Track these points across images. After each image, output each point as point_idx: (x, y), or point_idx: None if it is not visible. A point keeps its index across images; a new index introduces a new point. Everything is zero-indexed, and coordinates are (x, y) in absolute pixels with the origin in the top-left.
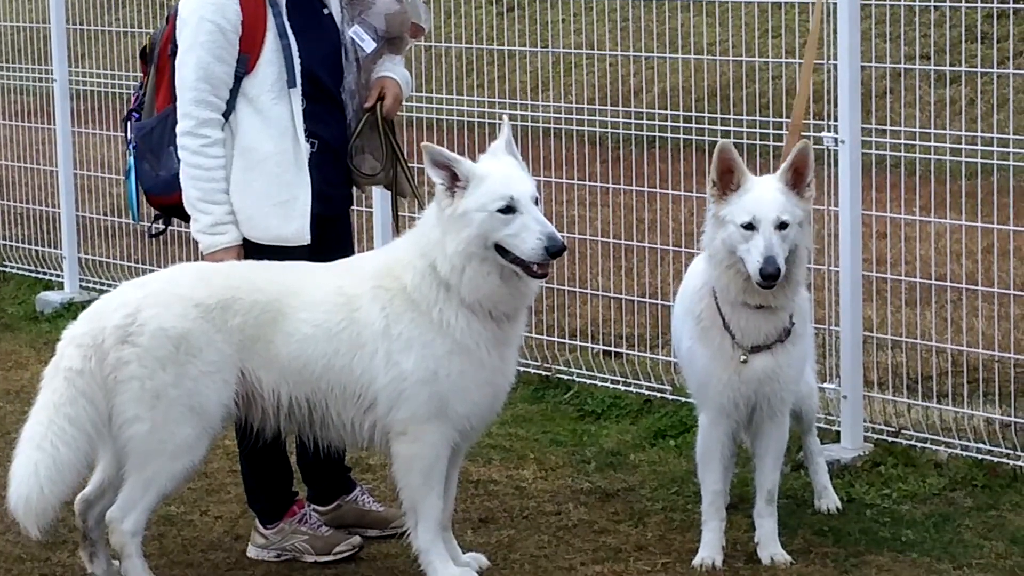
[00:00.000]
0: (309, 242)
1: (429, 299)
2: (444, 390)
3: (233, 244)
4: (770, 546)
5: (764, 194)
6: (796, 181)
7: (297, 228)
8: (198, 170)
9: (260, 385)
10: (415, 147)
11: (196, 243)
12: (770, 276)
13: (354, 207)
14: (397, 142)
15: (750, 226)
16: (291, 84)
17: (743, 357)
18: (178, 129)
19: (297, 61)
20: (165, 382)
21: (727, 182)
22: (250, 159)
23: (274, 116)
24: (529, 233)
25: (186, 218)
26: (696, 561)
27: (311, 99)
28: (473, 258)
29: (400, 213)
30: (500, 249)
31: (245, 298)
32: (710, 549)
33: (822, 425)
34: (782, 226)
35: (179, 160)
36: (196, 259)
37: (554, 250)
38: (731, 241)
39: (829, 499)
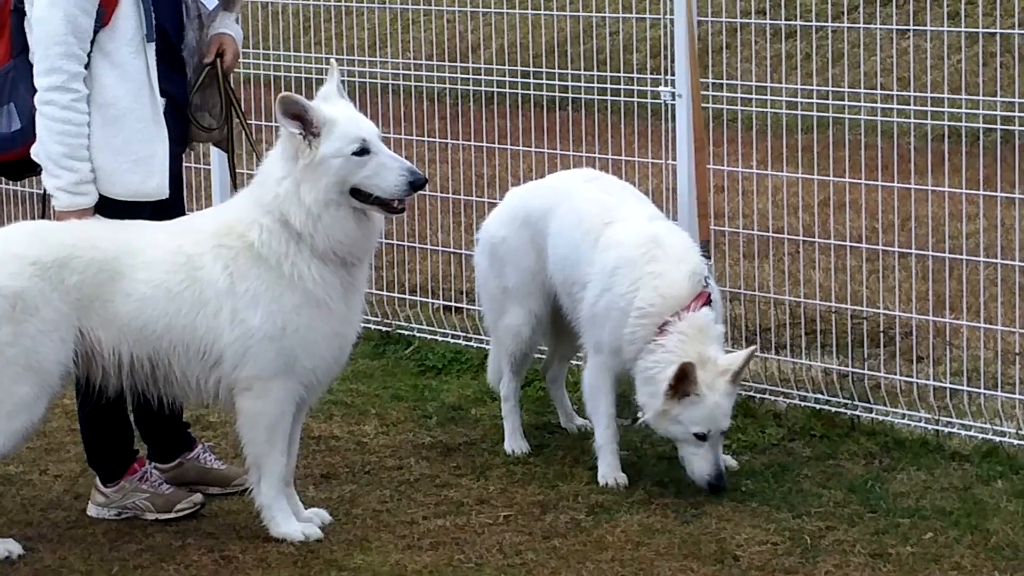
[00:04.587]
0: (168, 196)
1: (279, 254)
2: (292, 345)
3: (91, 205)
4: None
5: (719, 407)
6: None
7: (157, 183)
8: (68, 125)
9: (100, 344)
10: (252, 104)
11: (29, 202)
12: (717, 489)
13: (192, 165)
14: (236, 98)
15: (703, 437)
16: (149, 38)
17: None
18: (43, 83)
19: (152, 15)
20: (1, 341)
21: (682, 390)
22: (108, 115)
23: (132, 71)
24: (389, 171)
25: (13, 176)
26: (603, 481)
27: (158, 56)
28: (331, 204)
29: (238, 171)
30: (356, 193)
31: (83, 256)
32: (614, 470)
33: None
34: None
35: (22, 115)
36: (30, 218)
37: (418, 184)
38: (677, 438)
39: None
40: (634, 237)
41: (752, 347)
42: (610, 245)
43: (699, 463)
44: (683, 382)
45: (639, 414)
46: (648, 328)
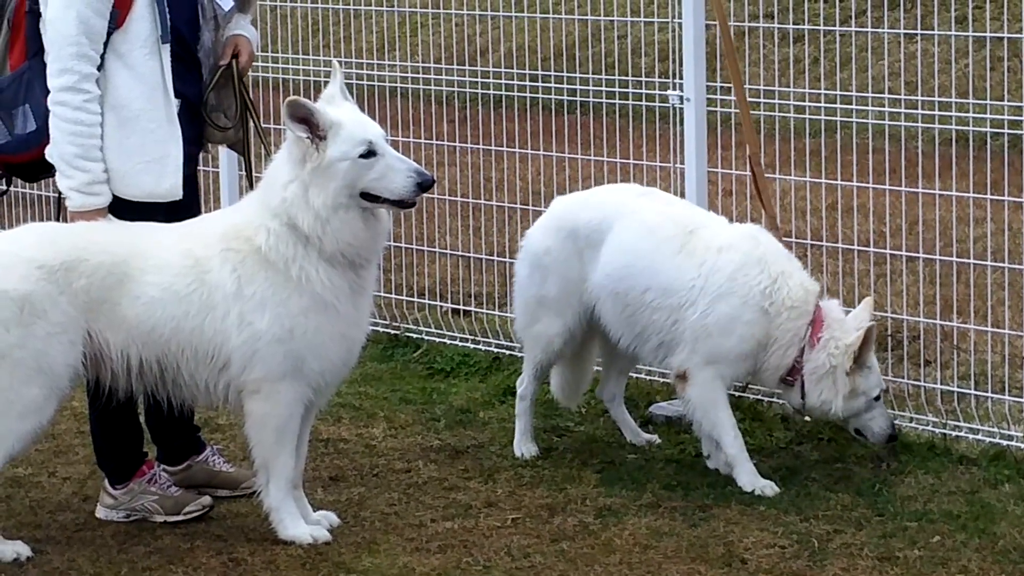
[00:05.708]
0: (181, 197)
1: (287, 257)
2: (300, 347)
3: (104, 206)
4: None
5: (878, 365)
6: None
7: (171, 184)
8: (79, 126)
9: (108, 347)
10: (262, 107)
11: (39, 204)
12: (895, 437)
13: (201, 168)
14: (250, 99)
15: (879, 397)
16: (164, 40)
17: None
18: (55, 84)
19: (168, 17)
20: (10, 343)
21: (861, 360)
22: (122, 116)
23: (146, 72)
24: (396, 173)
25: (29, 178)
26: (752, 489)
27: (173, 57)
28: (340, 208)
29: (254, 173)
30: (365, 194)
31: (91, 259)
32: (757, 476)
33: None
34: None
35: (38, 116)
36: (40, 220)
37: (426, 184)
38: (861, 411)
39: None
40: (739, 240)
41: (867, 297)
42: (712, 249)
43: (878, 423)
44: (865, 348)
45: (807, 416)
46: (801, 325)
